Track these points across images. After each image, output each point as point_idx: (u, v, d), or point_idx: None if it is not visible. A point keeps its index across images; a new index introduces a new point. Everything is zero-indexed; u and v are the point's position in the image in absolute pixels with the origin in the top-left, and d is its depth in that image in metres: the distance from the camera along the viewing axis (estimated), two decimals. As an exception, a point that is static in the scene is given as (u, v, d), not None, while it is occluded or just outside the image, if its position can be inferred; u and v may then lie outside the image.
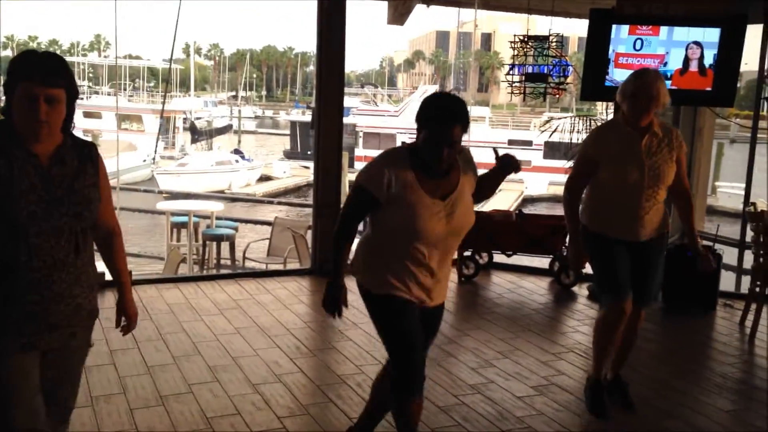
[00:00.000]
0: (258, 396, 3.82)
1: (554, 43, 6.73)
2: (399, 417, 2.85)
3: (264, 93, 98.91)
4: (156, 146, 29.00)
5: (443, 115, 2.61)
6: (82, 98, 38.66)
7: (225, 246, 10.43)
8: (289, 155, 36.01)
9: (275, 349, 4.53)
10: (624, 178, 3.56)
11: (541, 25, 7.44)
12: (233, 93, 72.10)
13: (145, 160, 27.71)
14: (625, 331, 3.76)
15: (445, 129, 2.59)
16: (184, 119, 36.55)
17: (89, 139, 2.38)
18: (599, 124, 4.29)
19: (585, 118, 7.92)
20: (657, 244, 3.74)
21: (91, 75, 53.51)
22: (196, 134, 34.23)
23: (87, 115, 31.87)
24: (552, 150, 28.13)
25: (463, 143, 2.69)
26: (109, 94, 40.73)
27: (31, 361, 2.28)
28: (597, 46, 5.55)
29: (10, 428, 2.26)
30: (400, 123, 34.61)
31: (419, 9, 7.40)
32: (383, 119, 35.64)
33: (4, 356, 2.25)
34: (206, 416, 3.55)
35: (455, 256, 2.90)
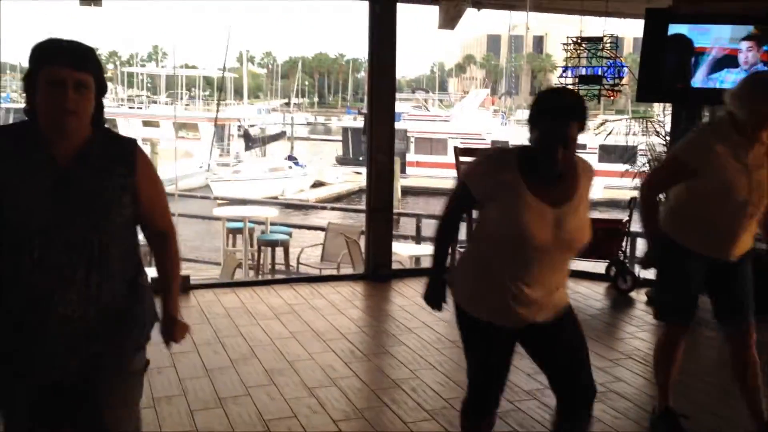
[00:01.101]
0: (314, 399, 3.86)
1: (608, 45, 6.63)
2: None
3: (316, 100, 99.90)
4: (210, 154, 29.56)
5: (557, 111, 2.35)
6: (141, 107, 39.92)
7: (279, 251, 10.55)
8: (342, 161, 36.29)
9: (330, 353, 4.58)
10: (728, 193, 3.10)
11: (595, 26, 7.34)
12: (286, 100, 73.00)
13: (201, 167, 28.25)
14: (741, 365, 3.34)
15: (560, 126, 2.34)
16: (239, 127, 37.17)
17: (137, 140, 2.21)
18: (701, 125, 3.83)
19: (642, 120, 7.78)
20: (745, 259, 3.32)
21: (149, 85, 54.90)
22: (250, 141, 34.77)
23: (146, 123, 32.71)
24: (607, 153, 27.65)
25: (523, 143, 2.48)
26: (166, 103, 41.70)
27: (40, 395, 2.05)
28: (653, 46, 5.46)
29: None
30: (452, 128, 34.57)
31: (470, 13, 7.38)
32: (434, 124, 35.64)
33: (10, 392, 2.05)
34: (264, 419, 3.61)
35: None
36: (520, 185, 2.40)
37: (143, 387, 2.26)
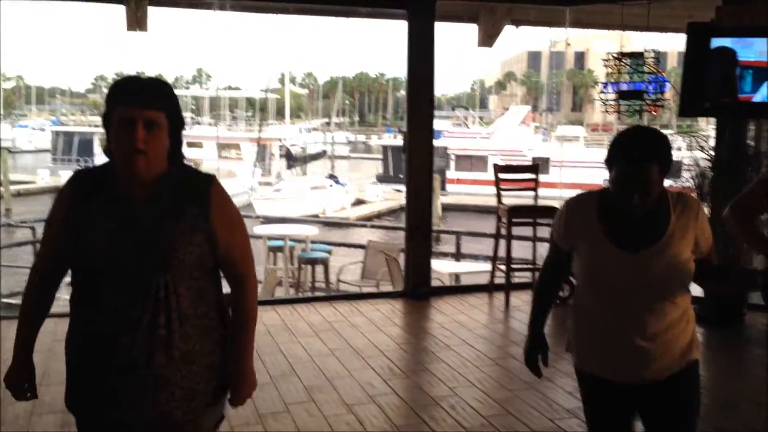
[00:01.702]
0: (352, 416, 3.87)
1: (650, 59, 6.56)
2: None
3: (356, 119, 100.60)
4: (252, 173, 29.94)
5: (633, 153, 2.18)
6: (185, 129, 40.54)
7: (320, 269, 10.60)
8: (382, 179, 36.39)
9: (369, 370, 4.58)
10: None
11: (637, 41, 7.27)
12: (327, 120, 73.72)
13: (252, 188, 28.65)
14: None
15: (635, 170, 2.16)
16: (280, 146, 37.61)
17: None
18: None
19: (686, 135, 7.66)
20: None
21: (193, 107, 56.01)
22: (291, 160, 35.17)
23: (190, 144, 33.34)
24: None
25: (604, 186, 2.30)
26: (209, 124, 42.46)
27: None
28: (695, 60, 5.38)
29: None
30: (492, 145, 34.45)
31: (508, 30, 7.39)
32: (475, 141, 35.58)
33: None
34: (302, 435, 3.63)
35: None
36: (597, 232, 2.28)
37: None
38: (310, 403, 4.03)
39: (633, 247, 2.25)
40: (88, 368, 1.94)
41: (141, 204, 1.92)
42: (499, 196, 6.49)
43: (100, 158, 40.88)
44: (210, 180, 2.02)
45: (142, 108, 1.86)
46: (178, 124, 1.96)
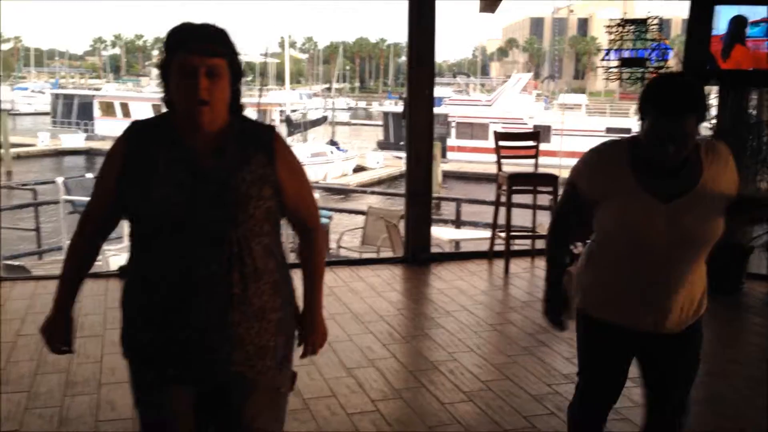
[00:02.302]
0: (352, 380, 3.92)
1: (653, 26, 6.51)
2: None
3: (357, 84, 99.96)
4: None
5: (669, 104, 2.07)
6: (243, 78, 40.06)
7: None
8: (383, 146, 36.33)
9: (369, 334, 4.63)
10: None
11: (640, 8, 7.21)
12: (327, 85, 73.20)
13: None
14: None
15: (672, 122, 2.07)
16: (281, 112, 37.43)
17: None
18: None
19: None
20: None
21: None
22: (292, 126, 35.01)
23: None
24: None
25: (634, 134, 2.23)
26: (209, 89, 42.06)
27: (180, 397, 1.93)
28: (698, 28, 5.35)
29: None
30: (493, 112, 34.31)
31: (512, -4, 7.31)
32: (476, 109, 35.43)
33: (147, 388, 1.95)
34: (303, 397, 3.68)
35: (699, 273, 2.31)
36: (630, 181, 2.20)
37: (288, 404, 2.10)
38: (311, 366, 4.08)
39: (666, 197, 2.18)
40: (157, 324, 1.86)
41: (206, 156, 1.85)
42: (499, 163, 6.49)
43: (99, 121, 40.54)
44: (272, 130, 1.97)
45: (203, 56, 1.77)
46: (237, 72, 1.88)
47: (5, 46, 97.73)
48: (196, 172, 1.83)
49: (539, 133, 7.02)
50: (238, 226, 1.84)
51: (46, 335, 1.99)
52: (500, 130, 7.19)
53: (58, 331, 1.99)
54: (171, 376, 1.90)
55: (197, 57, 1.77)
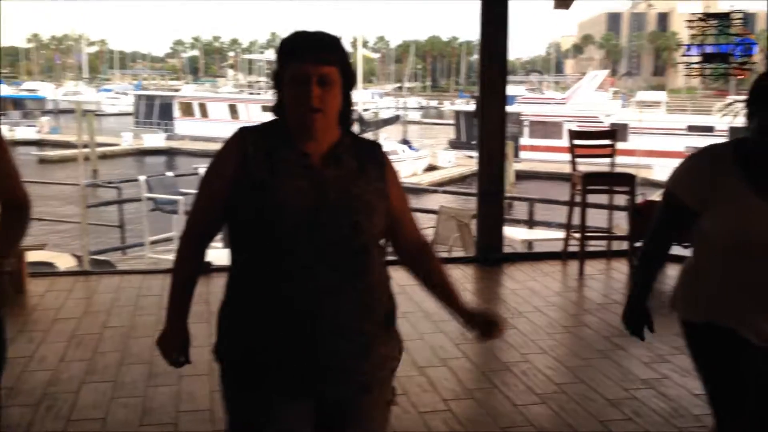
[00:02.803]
0: (424, 378, 3.93)
1: (737, 20, 6.28)
2: None
3: (429, 83, 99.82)
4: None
5: None
6: (260, 93, 41.35)
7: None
8: (454, 145, 36.16)
9: (440, 334, 4.63)
10: None
11: (723, 1, 6.96)
12: (399, 84, 73.40)
13: None
14: None
15: None
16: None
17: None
18: None
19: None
20: None
21: (268, 71, 56.63)
22: (364, 125, 35.23)
23: (265, 109, 33.82)
24: (737, 136, 26.14)
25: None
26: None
27: (297, 411, 1.84)
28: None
29: None
30: (568, 111, 33.68)
31: (588, -9, 7.17)
32: (549, 107, 34.86)
33: (262, 404, 1.83)
34: (375, 394, 3.71)
35: None
36: (738, 185, 2.08)
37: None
38: (383, 363, 4.11)
39: None
40: (279, 336, 1.79)
41: (322, 164, 1.83)
42: (573, 162, 6.39)
43: (178, 122, 41.72)
44: (381, 146, 1.98)
45: (316, 64, 1.77)
46: (350, 81, 1.86)
47: (91, 50, 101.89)
48: (315, 179, 1.80)
49: (616, 132, 6.87)
50: (361, 235, 1.81)
51: (162, 348, 1.98)
52: (575, 128, 7.07)
53: (173, 345, 1.97)
54: (286, 389, 1.82)
55: (310, 66, 1.77)
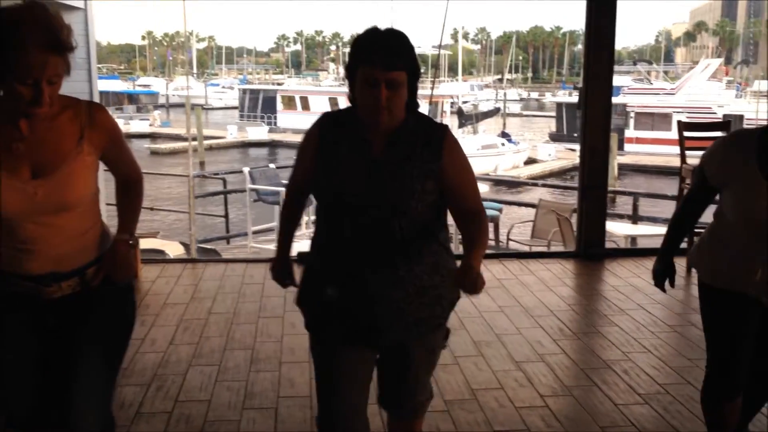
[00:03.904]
0: (521, 373, 3.88)
1: None
2: (709, 418, 2.71)
3: (530, 75, 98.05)
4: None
5: None
6: (420, 78, 41.38)
7: (489, 226, 10.60)
8: (555, 137, 35.38)
9: (538, 329, 4.56)
10: None
11: None
12: (499, 76, 72.44)
13: None
14: None
15: None
16: (452, 104, 37.57)
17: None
18: None
19: None
20: None
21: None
22: (463, 118, 35.05)
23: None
24: None
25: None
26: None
27: (357, 356, 2.21)
28: None
29: (328, 423, 2.25)
30: (678, 101, 32.28)
31: (702, -24, 6.84)
32: (658, 98, 33.50)
33: (321, 343, 2.25)
34: (471, 387, 3.70)
35: None
36: (755, 172, 2.31)
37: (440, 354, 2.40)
38: (479, 357, 4.09)
39: None
40: (334, 291, 2.15)
41: (381, 150, 2.06)
42: (683, 155, 6.11)
43: (281, 114, 42.71)
44: (443, 129, 2.14)
45: (385, 70, 1.95)
46: (415, 75, 2.04)
47: (200, 46, 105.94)
48: (369, 162, 2.06)
49: (730, 123, 6.53)
50: (403, 214, 2.05)
51: (273, 273, 2.39)
52: (685, 119, 6.77)
53: (281, 270, 2.38)
54: (341, 336, 2.18)
55: (379, 71, 1.95)
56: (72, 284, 2.09)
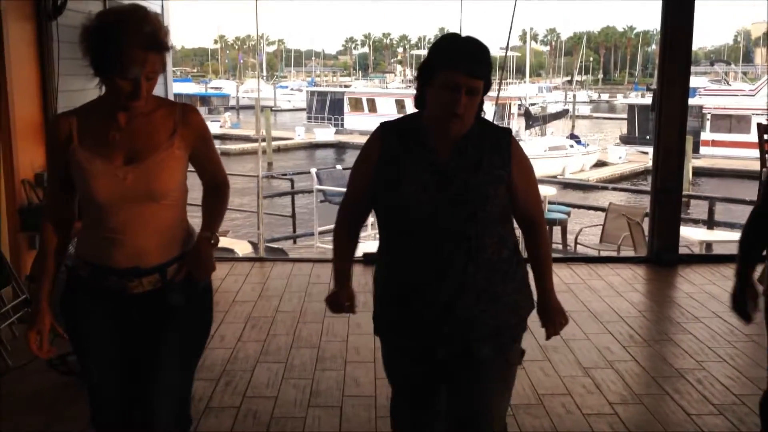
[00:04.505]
0: (589, 379, 3.81)
1: None
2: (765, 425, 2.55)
3: (600, 76, 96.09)
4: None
5: None
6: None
7: (557, 230, 10.44)
8: (626, 140, 34.54)
9: (607, 335, 4.46)
10: None
11: None
12: (568, 78, 71.25)
13: None
14: None
15: None
16: (519, 105, 37.15)
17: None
18: None
19: None
20: None
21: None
22: (531, 120, 34.60)
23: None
24: None
25: None
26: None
27: (420, 364, 2.17)
28: None
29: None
30: (757, 103, 31.07)
31: (785, -28, 6.58)
32: (736, 99, 32.31)
33: (394, 356, 2.24)
34: (537, 392, 3.65)
35: None
36: None
37: (515, 377, 2.24)
38: (546, 362, 4.03)
39: None
40: (403, 304, 2.10)
41: (447, 157, 2.03)
42: (763, 159, 5.89)
43: (348, 116, 43.00)
44: (508, 133, 2.12)
45: (468, 77, 1.94)
46: (488, 88, 2.04)
47: (270, 49, 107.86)
48: (437, 172, 2.02)
49: (813, 126, 6.25)
50: (476, 223, 2.02)
51: (332, 307, 2.23)
52: (766, 122, 6.51)
53: (338, 301, 2.20)
54: (412, 347, 2.15)
55: (462, 76, 1.93)
56: (152, 281, 2.13)
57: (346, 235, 2.27)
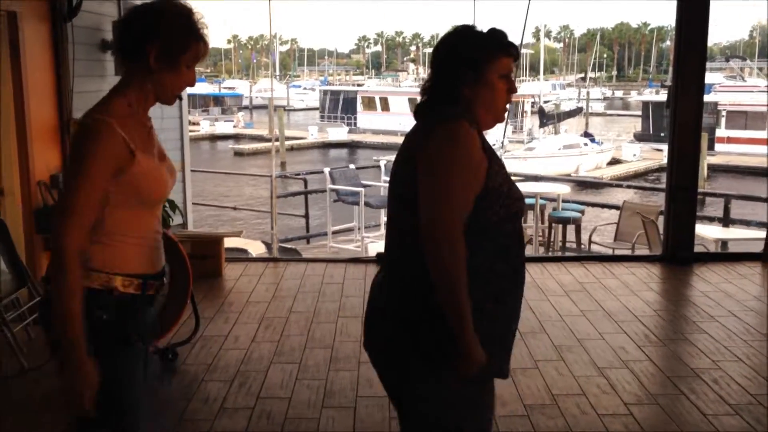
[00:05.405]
0: (603, 380, 3.79)
1: None
2: None
3: (614, 73, 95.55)
4: (504, 131, 29.83)
5: None
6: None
7: (571, 228, 10.39)
8: (640, 137, 34.33)
9: (622, 334, 4.43)
10: None
11: None
12: (582, 75, 70.89)
13: (503, 146, 28.72)
14: None
15: None
16: (533, 103, 36.99)
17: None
18: None
19: None
20: None
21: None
22: (545, 118, 34.46)
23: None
24: None
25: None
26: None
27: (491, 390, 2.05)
28: None
29: None
30: (773, 99, 30.78)
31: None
32: (751, 96, 32.02)
33: (487, 402, 2.03)
34: (551, 393, 3.63)
35: None
36: None
37: None
38: (560, 361, 4.02)
39: None
40: (512, 332, 2.06)
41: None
42: (779, 156, 5.83)
43: (361, 115, 42.88)
44: None
45: (515, 60, 1.90)
46: None
47: (283, 48, 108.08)
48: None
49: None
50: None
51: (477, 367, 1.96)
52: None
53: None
54: (502, 369, 2.02)
55: (514, 62, 1.89)
56: (158, 285, 2.01)
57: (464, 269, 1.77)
